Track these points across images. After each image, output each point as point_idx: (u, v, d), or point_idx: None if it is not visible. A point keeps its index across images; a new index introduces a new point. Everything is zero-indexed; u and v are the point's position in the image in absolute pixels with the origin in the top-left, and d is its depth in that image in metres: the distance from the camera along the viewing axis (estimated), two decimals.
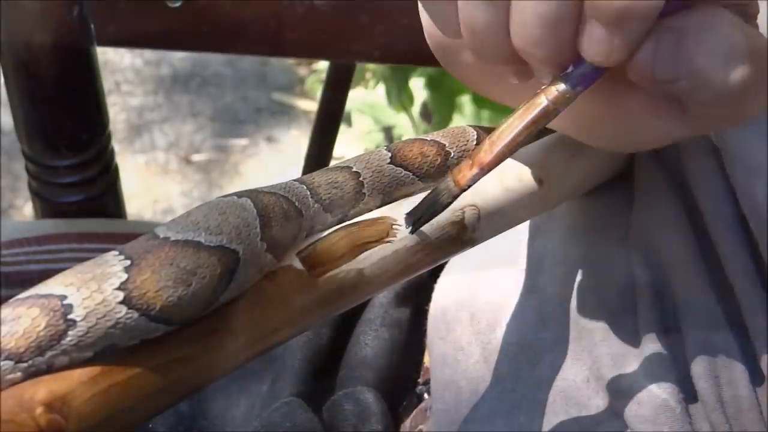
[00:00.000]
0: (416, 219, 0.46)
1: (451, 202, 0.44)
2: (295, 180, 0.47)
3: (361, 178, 0.48)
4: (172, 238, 0.40)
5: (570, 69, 0.41)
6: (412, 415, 0.63)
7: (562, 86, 0.42)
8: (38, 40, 0.83)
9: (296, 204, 0.45)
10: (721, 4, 0.43)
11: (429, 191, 0.45)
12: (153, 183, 1.87)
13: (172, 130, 1.95)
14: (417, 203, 0.46)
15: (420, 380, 0.65)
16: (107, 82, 1.94)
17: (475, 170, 0.43)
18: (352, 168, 0.48)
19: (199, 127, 1.97)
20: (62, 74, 0.85)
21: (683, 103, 0.43)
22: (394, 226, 0.46)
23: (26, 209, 1.77)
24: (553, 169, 0.52)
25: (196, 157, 1.92)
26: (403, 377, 0.65)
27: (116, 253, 0.39)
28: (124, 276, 0.38)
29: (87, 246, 0.85)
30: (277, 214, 0.43)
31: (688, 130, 0.47)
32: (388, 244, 0.46)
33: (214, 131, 1.96)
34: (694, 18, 0.41)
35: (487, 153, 0.42)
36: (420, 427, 0.62)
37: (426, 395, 0.63)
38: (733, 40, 0.41)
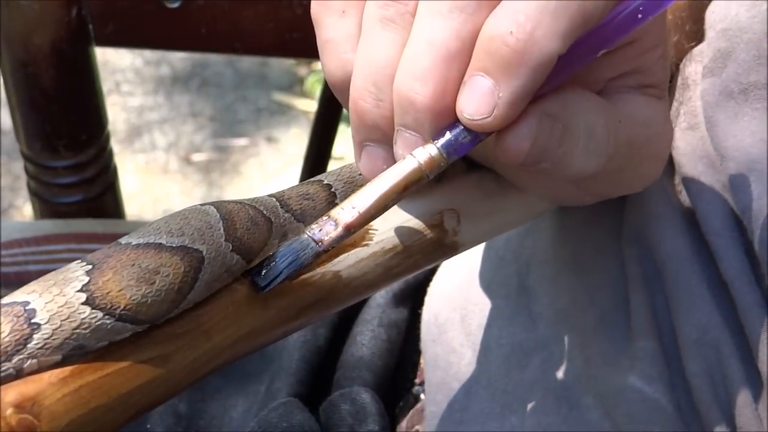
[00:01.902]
0: (273, 276, 0.42)
1: (312, 262, 0.42)
2: (265, 195, 0.47)
3: (333, 190, 0.47)
4: (134, 243, 0.40)
5: (446, 134, 0.41)
6: (408, 416, 0.63)
7: (435, 150, 0.41)
8: (37, 40, 0.83)
9: (264, 212, 0.45)
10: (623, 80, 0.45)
11: (281, 247, 0.43)
12: (153, 183, 1.87)
13: (172, 130, 1.95)
14: (263, 260, 0.43)
15: (417, 381, 0.65)
16: (107, 82, 1.94)
17: (340, 231, 0.41)
18: (323, 181, 0.48)
19: (199, 127, 1.97)
20: (61, 74, 0.85)
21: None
22: (369, 231, 0.46)
23: (26, 209, 1.77)
24: None
25: (196, 157, 1.92)
26: (400, 378, 0.66)
27: (79, 261, 0.40)
28: (86, 279, 0.39)
29: (86, 247, 0.85)
30: (242, 219, 0.43)
31: (587, 196, 0.49)
32: (365, 247, 0.46)
33: (214, 131, 1.96)
34: (566, 103, 0.42)
35: (352, 213, 0.41)
36: (417, 427, 0.62)
37: (422, 395, 0.63)
38: (596, 132, 0.42)
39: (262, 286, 0.43)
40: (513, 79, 0.39)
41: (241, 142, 1.95)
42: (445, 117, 0.41)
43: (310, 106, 1.98)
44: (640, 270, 0.53)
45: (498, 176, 0.50)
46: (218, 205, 0.44)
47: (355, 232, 0.42)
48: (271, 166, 1.91)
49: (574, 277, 0.57)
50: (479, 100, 0.39)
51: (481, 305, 0.61)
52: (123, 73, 2.03)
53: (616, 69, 0.45)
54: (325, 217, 0.42)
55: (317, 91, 1.90)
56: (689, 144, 0.53)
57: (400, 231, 0.47)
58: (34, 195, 0.92)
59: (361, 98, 0.42)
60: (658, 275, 0.53)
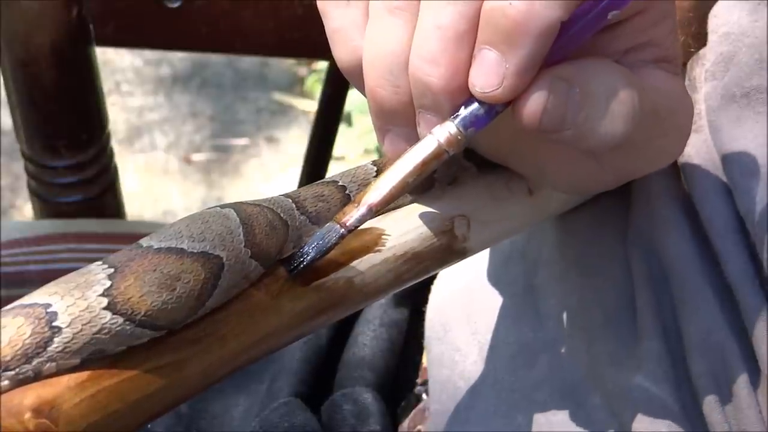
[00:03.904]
0: (301, 259, 0.44)
1: (337, 243, 0.43)
2: (280, 195, 0.47)
3: (347, 192, 0.48)
4: (155, 247, 0.40)
5: (461, 110, 0.42)
6: (410, 416, 0.63)
7: (453, 127, 0.42)
8: (38, 40, 0.83)
9: (282, 215, 0.45)
10: (638, 54, 0.45)
11: (312, 235, 0.44)
12: (153, 183, 1.87)
13: (172, 130, 1.96)
14: (297, 250, 0.45)
15: (418, 380, 0.65)
16: (107, 82, 1.94)
17: (362, 210, 0.43)
18: (338, 182, 0.48)
19: (199, 127, 1.97)
20: (61, 74, 0.85)
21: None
22: (382, 236, 0.47)
23: (26, 209, 1.77)
24: None
25: (196, 157, 1.92)
26: (402, 377, 0.65)
27: (100, 263, 0.40)
28: (108, 283, 0.39)
29: (86, 246, 0.85)
30: (261, 223, 0.43)
31: (610, 176, 0.48)
32: (378, 253, 0.46)
33: (214, 131, 1.97)
34: (583, 68, 0.42)
35: (375, 194, 0.43)
36: (418, 427, 0.62)
37: (424, 395, 0.63)
38: (618, 94, 0.42)
39: (290, 269, 0.44)
40: (517, 49, 0.39)
41: (241, 142, 1.95)
42: (461, 94, 0.42)
43: (310, 106, 1.98)
44: (645, 271, 0.53)
45: (508, 181, 0.50)
46: (238, 208, 0.43)
47: (377, 212, 0.43)
48: (271, 166, 1.91)
49: (580, 278, 0.57)
50: (488, 73, 0.40)
51: (488, 304, 0.61)
52: (123, 73, 2.03)
53: (629, 40, 0.45)
54: (349, 204, 0.43)
55: (317, 91, 1.90)
56: (694, 146, 0.53)
57: (412, 237, 0.47)
58: (35, 195, 0.92)
59: (378, 86, 0.43)
60: (664, 276, 0.53)
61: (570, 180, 0.49)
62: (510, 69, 0.40)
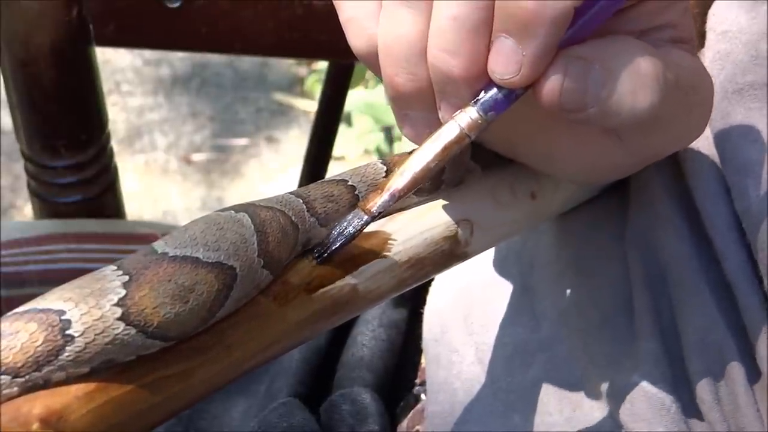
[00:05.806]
0: (327, 246, 0.45)
1: (361, 230, 0.44)
2: (290, 193, 0.47)
3: (356, 192, 0.48)
4: (170, 254, 0.40)
5: (482, 95, 0.43)
6: (409, 416, 0.63)
7: (474, 112, 0.43)
8: (37, 40, 0.83)
9: (293, 218, 0.45)
10: (654, 33, 0.45)
11: (336, 224, 0.45)
12: (153, 183, 1.87)
13: (172, 130, 1.96)
14: (322, 240, 0.45)
15: (417, 381, 0.65)
16: (107, 82, 1.95)
17: (385, 196, 0.43)
18: (347, 181, 0.48)
19: (199, 127, 1.97)
20: (61, 74, 0.85)
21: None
22: (388, 241, 0.47)
23: (26, 209, 1.77)
24: (546, 183, 0.53)
25: (196, 157, 1.92)
26: (401, 378, 0.65)
27: (114, 267, 0.39)
28: (123, 292, 0.38)
29: (86, 246, 0.85)
30: (274, 230, 0.43)
31: (632, 158, 0.48)
32: (383, 258, 0.46)
33: (214, 131, 1.97)
34: (602, 46, 0.43)
35: (399, 180, 0.43)
36: (417, 427, 0.62)
37: (423, 396, 0.63)
38: (640, 67, 0.43)
39: (317, 256, 0.45)
40: (533, 37, 0.40)
41: (241, 142, 1.95)
42: (481, 81, 0.42)
43: (310, 106, 1.98)
44: (643, 271, 0.53)
45: (512, 184, 0.50)
46: (252, 213, 0.43)
47: (400, 198, 0.44)
48: (271, 167, 1.91)
49: (577, 278, 0.57)
50: (506, 60, 0.41)
51: (485, 305, 0.61)
52: (123, 73, 2.03)
53: (644, 23, 0.45)
54: (373, 191, 0.44)
55: (317, 91, 1.90)
56: (695, 144, 0.53)
57: (417, 243, 0.48)
58: (34, 195, 0.92)
59: (396, 75, 0.44)
60: (662, 276, 0.53)
61: (589, 167, 0.49)
62: (527, 56, 0.41)
